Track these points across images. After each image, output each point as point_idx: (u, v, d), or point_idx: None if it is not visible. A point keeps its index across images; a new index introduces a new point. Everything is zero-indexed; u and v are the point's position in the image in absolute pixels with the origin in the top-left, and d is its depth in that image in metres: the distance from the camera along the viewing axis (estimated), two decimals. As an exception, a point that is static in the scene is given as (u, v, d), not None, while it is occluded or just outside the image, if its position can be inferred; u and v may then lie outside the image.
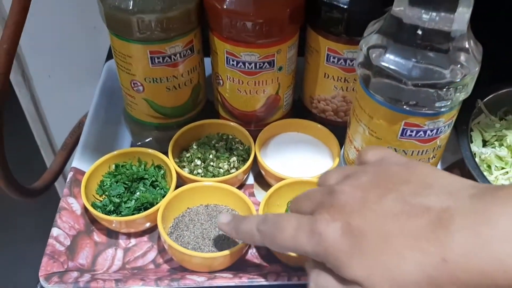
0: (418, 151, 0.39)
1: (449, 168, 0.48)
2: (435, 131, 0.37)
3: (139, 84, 0.45)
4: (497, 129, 0.48)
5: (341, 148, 0.47)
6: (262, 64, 0.44)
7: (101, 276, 0.38)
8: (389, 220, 0.25)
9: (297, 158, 0.48)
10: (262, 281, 0.38)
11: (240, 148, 0.48)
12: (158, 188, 0.45)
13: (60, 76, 0.74)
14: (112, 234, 0.43)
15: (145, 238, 0.43)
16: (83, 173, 0.45)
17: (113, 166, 0.46)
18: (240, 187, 0.48)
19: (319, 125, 0.49)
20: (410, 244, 0.24)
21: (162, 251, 0.42)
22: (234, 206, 0.43)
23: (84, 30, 0.68)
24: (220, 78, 0.47)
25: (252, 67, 0.44)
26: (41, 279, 0.38)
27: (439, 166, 0.46)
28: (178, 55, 0.43)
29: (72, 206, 0.43)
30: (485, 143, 0.48)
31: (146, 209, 0.43)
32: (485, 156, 0.46)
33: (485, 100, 0.48)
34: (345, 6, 0.41)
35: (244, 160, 0.47)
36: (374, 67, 0.35)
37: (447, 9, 0.32)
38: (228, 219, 0.34)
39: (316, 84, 0.48)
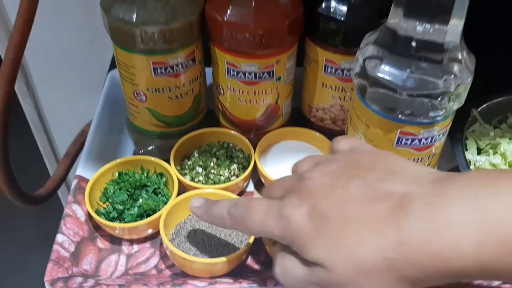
0: (414, 159, 0.40)
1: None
2: (429, 139, 0.38)
3: (142, 94, 0.46)
4: (491, 138, 0.49)
5: (339, 156, 0.48)
6: (261, 74, 0.45)
7: (104, 282, 0.39)
8: (353, 205, 0.26)
9: (296, 166, 0.49)
10: (262, 287, 0.38)
11: (240, 156, 0.49)
12: (160, 195, 0.46)
13: (63, 85, 0.75)
14: (115, 241, 0.44)
15: (147, 244, 0.44)
16: (87, 180, 0.46)
17: (117, 174, 0.47)
18: (240, 194, 0.49)
19: (317, 134, 0.50)
20: (370, 227, 0.25)
21: (164, 257, 0.43)
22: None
23: (87, 40, 0.69)
24: (221, 87, 0.48)
25: (252, 77, 0.45)
26: (46, 284, 0.39)
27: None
28: (180, 65, 0.44)
29: (76, 213, 0.44)
30: (479, 151, 0.49)
31: (148, 215, 0.44)
32: (479, 164, 0.47)
33: (479, 109, 0.49)
34: (342, 19, 0.42)
35: (244, 168, 0.48)
36: (370, 77, 0.36)
37: (440, 21, 0.33)
38: (201, 202, 0.34)
39: (315, 94, 0.49)
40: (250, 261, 0.43)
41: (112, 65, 0.60)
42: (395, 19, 0.35)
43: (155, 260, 0.43)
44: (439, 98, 0.35)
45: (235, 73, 0.45)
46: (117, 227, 0.42)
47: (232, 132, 0.50)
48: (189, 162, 0.48)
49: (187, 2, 0.42)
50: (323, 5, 0.43)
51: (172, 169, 0.46)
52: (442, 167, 0.49)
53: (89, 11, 0.63)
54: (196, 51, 0.45)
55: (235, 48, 0.43)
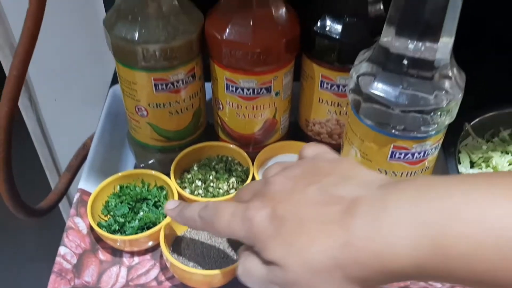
0: (407, 172, 0.41)
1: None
2: (422, 153, 0.39)
3: (143, 109, 0.47)
4: (484, 151, 0.50)
5: (335, 169, 0.49)
6: (259, 90, 0.46)
7: (106, 293, 0.40)
8: (308, 207, 0.27)
9: (294, 179, 0.50)
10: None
11: (239, 169, 0.50)
12: (160, 208, 0.47)
13: (65, 100, 0.76)
14: (116, 253, 0.45)
15: (148, 256, 0.45)
16: (89, 194, 0.47)
17: (118, 187, 0.48)
18: (239, 207, 0.49)
19: (314, 147, 0.51)
20: (321, 228, 0.26)
21: (164, 268, 0.44)
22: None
23: (89, 56, 0.71)
24: (220, 103, 0.49)
25: (250, 93, 0.46)
26: (49, 296, 0.39)
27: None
28: (180, 82, 0.46)
29: (78, 225, 0.45)
30: (472, 164, 0.50)
31: (149, 228, 0.45)
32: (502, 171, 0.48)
33: (472, 123, 0.51)
34: (338, 37, 0.43)
35: (243, 181, 0.49)
36: (364, 93, 0.37)
37: (430, 39, 0.35)
38: (175, 205, 0.36)
39: (311, 108, 0.50)
40: (248, 272, 0.44)
41: (114, 81, 0.61)
42: (388, 38, 0.36)
43: (155, 272, 0.44)
44: (430, 114, 0.37)
45: (234, 89, 0.46)
46: (118, 240, 0.43)
47: (231, 146, 0.51)
48: (189, 176, 0.50)
49: (187, 21, 0.43)
50: (319, 24, 0.44)
51: (172, 182, 0.47)
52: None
53: (92, 29, 0.65)
54: (196, 67, 0.46)
55: (234, 65, 0.44)
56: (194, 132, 0.51)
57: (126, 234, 0.44)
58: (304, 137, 0.53)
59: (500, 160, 0.48)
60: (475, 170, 0.48)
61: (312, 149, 0.34)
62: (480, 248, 0.22)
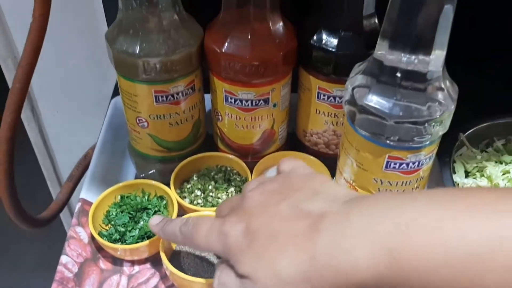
0: (403, 182, 0.41)
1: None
2: (417, 163, 0.40)
3: (144, 120, 0.48)
4: (478, 161, 0.51)
5: (332, 179, 0.50)
6: (258, 101, 0.47)
7: (106, 301, 0.41)
8: (279, 222, 0.28)
9: (292, 189, 0.51)
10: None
11: (238, 179, 0.51)
12: (160, 217, 0.48)
13: (67, 112, 0.77)
14: (117, 262, 0.46)
15: (148, 265, 0.46)
16: (90, 203, 0.48)
17: (119, 197, 0.49)
18: (238, 216, 0.50)
19: (312, 157, 0.52)
20: (290, 242, 0.27)
21: (164, 277, 0.45)
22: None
23: (91, 69, 0.72)
24: (219, 114, 0.50)
25: (248, 104, 0.47)
26: (50, 304, 0.40)
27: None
28: (180, 94, 0.47)
29: (80, 235, 0.46)
30: (467, 174, 0.51)
31: (149, 237, 0.45)
32: (467, 187, 0.48)
33: (466, 133, 0.51)
34: (334, 50, 0.44)
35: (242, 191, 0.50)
36: (359, 105, 0.38)
37: (423, 52, 0.36)
38: (158, 220, 0.37)
39: (309, 119, 0.51)
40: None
41: (115, 93, 0.62)
42: (382, 51, 0.37)
43: (155, 280, 0.45)
44: (424, 125, 0.37)
45: (233, 101, 0.47)
46: (119, 249, 0.44)
47: (230, 156, 0.52)
48: (188, 186, 0.50)
49: (187, 35, 0.44)
50: (316, 37, 0.45)
51: (172, 192, 0.48)
52: (432, 190, 0.51)
53: (94, 42, 0.66)
54: (196, 80, 0.48)
55: (233, 78, 0.45)
56: (193, 143, 0.52)
57: (126, 243, 0.45)
58: (302, 147, 0.54)
59: (494, 170, 0.49)
60: (470, 180, 0.49)
61: (288, 164, 0.35)
62: (432, 263, 0.23)
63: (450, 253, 0.23)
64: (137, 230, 0.46)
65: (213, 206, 0.48)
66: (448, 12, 0.33)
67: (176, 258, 0.44)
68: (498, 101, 0.53)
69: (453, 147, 0.50)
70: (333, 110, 0.48)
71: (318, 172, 0.34)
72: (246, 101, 0.47)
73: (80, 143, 0.70)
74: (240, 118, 0.49)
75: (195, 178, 0.51)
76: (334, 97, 0.47)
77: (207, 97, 0.51)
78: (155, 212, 0.48)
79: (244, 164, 0.51)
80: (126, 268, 0.45)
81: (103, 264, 0.45)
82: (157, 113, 0.47)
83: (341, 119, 0.49)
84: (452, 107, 0.38)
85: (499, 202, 0.23)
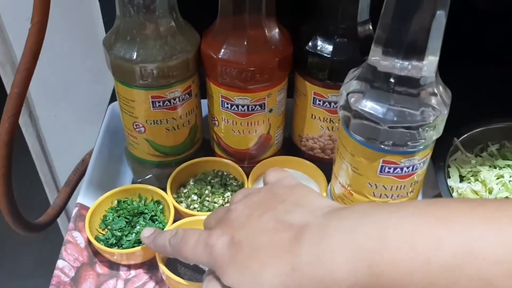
0: (397, 186, 0.42)
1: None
2: (411, 167, 0.41)
3: (141, 125, 0.49)
4: (472, 165, 0.51)
5: (328, 183, 0.50)
6: (254, 106, 0.48)
7: (103, 306, 0.41)
8: (262, 234, 0.29)
9: (288, 193, 0.51)
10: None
11: (234, 184, 0.52)
12: (157, 222, 0.48)
13: (65, 117, 0.77)
14: (113, 266, 0.46)
15: (144, 269, 0.46)
16: (87, 208, 0.48)
17: (116, 202, 0.49)
18: (234, 220, 0.50)
19: (307, 162, 0.52)
20: (272, 254, 0.27)
21: (160, 281, 0.45)
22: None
23: (89, 74, 0.72)
24: (216, 119, 0.51)
25: (245, 110, 0.48)
26: (47, 308, 0.40)
27: (419, 198, 0.49)
28: (177, 99, 0.47)
29: (76, 239, 0.46)
30: (462, 179, 0.51)
31: (146, 242, 0.46)
32: (461, 191, 0.49)
33: (461, 138, 0.52)
34: (329, 56, 0.45)
35: (238, 195, 0.50)
36: (353, 110, 0.39)
37: (416, 58, 0.36)
38: (149, 233, 0.38)
39: (304, 124, 0.51)
40: (243, 285, 0.44)
41: (112, 98, 0.63)
42: (375, 57, 0.37)
43: (151, 284, 0.45)
44: (418, 129, 0.38)
45: (229, 106, 0.48)
46: (115, 253, 0.44)
47: (226, 161, 0.52)
48: (185, 190, 0.51)
49: (184, 41, 0.45)
50: (311, 43, 0.46)
51: (168, 197, 0.48)
52: (427, 194, 0.51)
53: (92, 48, 0.66)
54: (193, 85, 0.48)
55: (229, 83, 0.46)
56: (190, 148, 0.53)
57: (123, 248, 0.45)
58: (298, 152, 0.54)
59: (488, 174, 0.49)
60: (464, 184, 0.50)
61: (274, 175, 0.36)
62: (410, 274, 0.23)
63: (426, 264, 0.23)
64: (134, 234, 0.46)
65: (209, 210, 0.49)
66: (441, 18, 0.34)
67: (172, 262, 0.44)
68: (492, 106, 0.54)
69: (447, 151, 0.51)
70: (329, 115, 0.49)
71: (302, 183, 0.35)
72: (243, 106, 0.47)
73: (77, 148, 0.70)
74: (236, 123, 0.49)
75: (191, 182, 0.51)
76: (330, 103, 0.48)
77: (204, 102, 0.51)
78: (151, 217, 0.48)
79: (240, 169, 0.51)
80: (123, 273, 0.46)
81: (100, 268, 0.46)
82: (154, 118, 0.48)
83: (336, 124, 0.49)
84: (446, 112, 0.39)
85: (474, 212, 0.24)
